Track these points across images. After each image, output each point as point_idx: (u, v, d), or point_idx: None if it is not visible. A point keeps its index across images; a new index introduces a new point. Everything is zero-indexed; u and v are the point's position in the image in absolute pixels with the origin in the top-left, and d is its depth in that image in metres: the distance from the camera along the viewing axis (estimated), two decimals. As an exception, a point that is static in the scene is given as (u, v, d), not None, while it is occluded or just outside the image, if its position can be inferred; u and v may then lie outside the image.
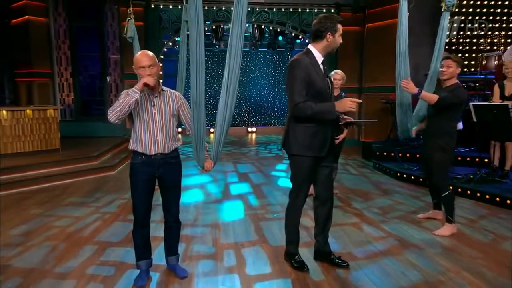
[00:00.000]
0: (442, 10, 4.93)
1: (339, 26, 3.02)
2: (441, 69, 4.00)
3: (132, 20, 5.67)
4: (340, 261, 3.31)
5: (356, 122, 3.53)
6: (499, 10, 7.80)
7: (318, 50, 3.05)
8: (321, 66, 3.05)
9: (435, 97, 3.85)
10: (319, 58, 3.05)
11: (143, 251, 2.99)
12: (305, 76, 2.94)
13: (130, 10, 5.84)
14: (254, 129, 13.49)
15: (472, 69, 7.83)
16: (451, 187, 4.05)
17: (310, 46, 3.09)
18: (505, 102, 4.98)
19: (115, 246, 3.66)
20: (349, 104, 2.87)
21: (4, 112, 6.72)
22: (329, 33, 2.98)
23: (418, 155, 6.70)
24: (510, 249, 3.64)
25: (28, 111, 6.99)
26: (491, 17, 7.82)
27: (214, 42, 11.84)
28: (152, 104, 2.81)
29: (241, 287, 2.95)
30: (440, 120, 3.94)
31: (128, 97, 2.64)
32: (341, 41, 3.07)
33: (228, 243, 3.79)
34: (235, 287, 2.96)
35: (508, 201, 4.76)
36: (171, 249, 3.13)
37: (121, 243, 3.73)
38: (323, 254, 3.36)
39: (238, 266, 3.28)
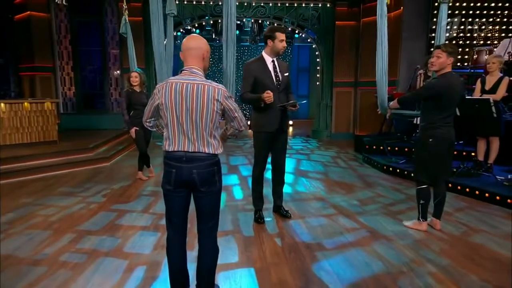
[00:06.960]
0: (439, 1, 4.86)
1: (278, 34, 3.78)
2: (431, 60, 3.78)
3: (125, 16, 5.79)
4: (285, 212, 4.33)
5: (284, 104, 3.95)
6: (493, 5, 7.71)
7: (267, 53, 3.90)
8: (271, 65, 3.88)
9: (396, 103, 4.03)
10: (268, 59, 3.89)
11: None
12: (250, 75, 3.84)
13: (124, 6, 5.96)
14: (253, 121, 13.53)
15: (466, 64, 7.79)
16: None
17: (263, 51, 3.95)
18: (484, 96, 4.97)
19: (93, 234, 3.79)
20: (266, 97, 3.65)
21: (2, 105, 6.92)
22: (269, 40, 3.82)
23: (406, 149, 6.72)
24: (478, 242, 3.67)
25: (26, 104, 7.19)
26: (485, 12, 7.73)
27: (213, 36, 11.92)
28: None
29: (205, 275, 3.02)
30: (421, 113, 3.87)
31: None
32: (282, 45, 3.80)
33: (202, 232, 3.88)
34: (199, 274, 3.03)
35: (487, 194, 4.78)
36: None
37: (98, 232, 3.86)
38: (276, 207, 4.41)
39: (206, 255, 3.36)
